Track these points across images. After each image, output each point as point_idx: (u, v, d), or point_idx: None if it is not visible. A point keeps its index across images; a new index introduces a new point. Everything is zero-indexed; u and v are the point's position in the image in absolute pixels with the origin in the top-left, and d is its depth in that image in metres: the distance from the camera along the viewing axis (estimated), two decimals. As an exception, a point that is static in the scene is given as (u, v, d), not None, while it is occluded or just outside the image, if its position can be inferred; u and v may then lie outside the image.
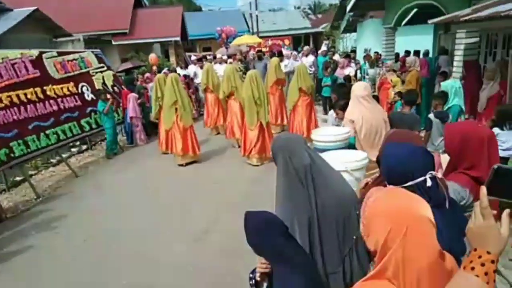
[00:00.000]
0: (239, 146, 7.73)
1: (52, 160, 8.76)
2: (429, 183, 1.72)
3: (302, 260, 1.81)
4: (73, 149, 9.50)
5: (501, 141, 4.39)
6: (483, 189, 1.06)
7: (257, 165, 7.15)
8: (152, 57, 14.05)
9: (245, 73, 9.91)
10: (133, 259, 4.44)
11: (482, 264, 1.00)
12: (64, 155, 8.71)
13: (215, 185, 6.46)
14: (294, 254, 1.79)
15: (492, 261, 1.00)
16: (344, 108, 4.84)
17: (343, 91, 5.97)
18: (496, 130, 4.72)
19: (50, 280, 4.22)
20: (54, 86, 8.22)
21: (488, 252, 1.01)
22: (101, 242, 4.92)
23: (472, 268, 1.00)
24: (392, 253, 1.11)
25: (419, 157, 1.79)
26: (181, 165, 7.58)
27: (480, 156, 2.34)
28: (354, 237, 2.16)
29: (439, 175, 1.80)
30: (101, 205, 6.13)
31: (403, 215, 1.13)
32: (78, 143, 9.45)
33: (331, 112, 5.75)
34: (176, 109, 7.49)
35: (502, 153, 3.94)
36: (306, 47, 14.08)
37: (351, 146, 4.15)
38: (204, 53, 20.06)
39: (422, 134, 5.75)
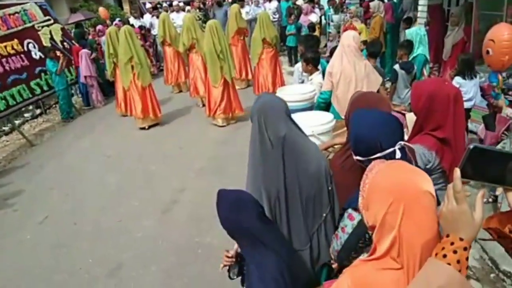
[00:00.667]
0: (204, 105, 7.44)
1: (4, 128, 8.22)
2: (398, 155, 1.66)
3: (277, 243, 1.80)
4: (26, 115, 8.92)
5: (463, 91, 4.40)
6: (457, 172, 0.98)
7: (223, 126, 6.95)
8: (101, 10, 12.82)
9: (205, 22, 9.39)
10: (98, 234, 4.30)
11: (455, 252, 0.95)
12: (17, 122, 8.18)
13: (180, 150, 6.26)
14: (269, 237, 1.77)
15: (465, 248, 0.95)
16: (311, 61, 4.64)
17: (310, 43, 5.73)
18: (458, 79, 4.74)
19: (8, 263, 4.03)
20: (-4, 45, 7.50)
21: (461, 239, 0.96)
22: (63, 218, 4.71)
23: (444, 256, 0.95)
24: (395, 232, 1.08)
25: (387, 127, 1.73)
26: (143, 128, 7.26)
27: (446, 116, 2.32)
28: (324, 214, 2.12)
29: (408, 144, 1.75)
30: (61, 177, 5.84)
31: (404, 189, 1.10)
32: (31, 107, 8.86)
33: (297, 66, 5.57)
34: (132, 66, 7.00)
35: (464, 104, 3.98)
36: (268, -9, 13.40)
37: (326, 100, 4.00)
38: None
39: (388, 85, 5.71)
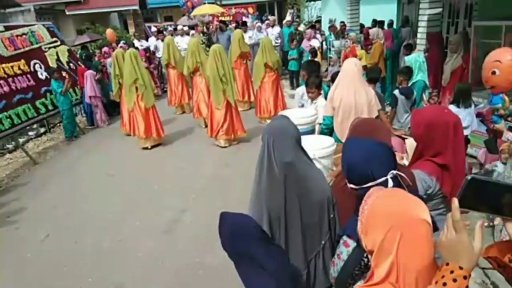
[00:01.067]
0: (207, 126, 7.53)
1: (8, 146, 8.27)
2: (390, 184, 1.68)
3: (279, 269, 1.76)
4: (30, 133, 8.98)
5: (459, 119, 4.42)
6: (455, 202, 1.01)
7: (225, 147, 7.01)
8: (109, 32, 13.01)
9: (208, 46, 9.57)
10: (99, 254, 4.29)
11: (454, 280, 0.97)
12: (21, 140, 8.24)
13: (182, 170, 6.30)
14: (270, 263, 1.74)
15: (465, 277, 0.97)
16: (316, 86, 4.72)
17: (312, 68, 5.83)
18: (452, 107, 4.76)
19: (8, 281, 4.01)
20: (4, 65, 7.63)
21: (460, 267, 0.98)
22: (64, 236, 4.70)
23: (444, 284, 0.97)
24: (392, 257, 1.11)
25: (378, 157, 1.75)
26: (146, 148, 7.33)
27: (446, 143, 2.33)
28: (323, 241, 2.13)
29: (401, 173, 1.76)
30: (63, 196, 5.86)
31: (402, 217, 1.14)
32: (35, 126, 8.93)
33: (298, 90, 5.67)
34: (136, 88, 7.11)
35: (461, 132, 3.99)
36: (271, 17, 13.72)
37: (329, 126, 4.03)
38: (165, 23, 19.21)
39: (388, 109, 5.80)
